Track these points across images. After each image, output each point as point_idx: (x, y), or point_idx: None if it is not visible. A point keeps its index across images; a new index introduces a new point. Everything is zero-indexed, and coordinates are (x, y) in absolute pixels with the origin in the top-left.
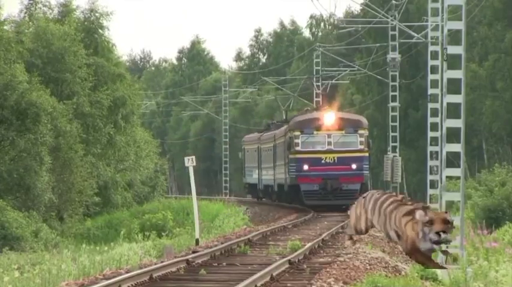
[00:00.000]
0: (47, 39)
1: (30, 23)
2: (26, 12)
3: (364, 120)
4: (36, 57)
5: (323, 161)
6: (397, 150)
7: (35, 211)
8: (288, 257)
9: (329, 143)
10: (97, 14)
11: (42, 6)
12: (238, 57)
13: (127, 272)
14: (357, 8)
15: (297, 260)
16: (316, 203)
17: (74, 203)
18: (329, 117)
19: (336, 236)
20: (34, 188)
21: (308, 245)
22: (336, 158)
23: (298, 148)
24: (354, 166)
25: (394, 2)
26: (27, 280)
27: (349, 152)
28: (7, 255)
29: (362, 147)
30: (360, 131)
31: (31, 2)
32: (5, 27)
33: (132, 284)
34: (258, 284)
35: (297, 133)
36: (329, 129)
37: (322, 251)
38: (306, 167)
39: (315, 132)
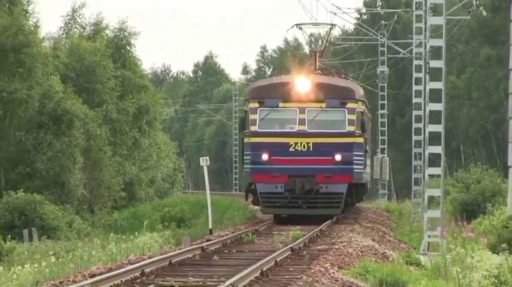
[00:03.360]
0: (80, 55)
1: (66, 39)
2: (63, 30)
3: (357, 89)
4: (71, 70)
5: (292, 149)
6: (386, 151)
7: (69, 204)
8: (290, 245)
9: (301, 122)
10: (126, 33)
11: (77, 25)
12: (245, 70)
13: (149, 258)
14: (350, 27)
15: (298, 248)
16: (278, 211)
17: (103, 198)
18: (303, 82)
19: (333, 226)
20: (68, 185)
21: (308, 235)
22: (311, 145)
23: (255, 128)
24: (338, 157)
25: (383, 22)
26: (62, 264)
27: (332, 136)
28: (45, 243)
29: (352, 129)
30: (350, 105)
31: (70, 21)
32: (44, 43)
33: (153, 269)
34: (264, 269)
35: (254, 105)
36: (302, 101)
37: (320, 240)
38: (264, 156)
39: (280, 104)
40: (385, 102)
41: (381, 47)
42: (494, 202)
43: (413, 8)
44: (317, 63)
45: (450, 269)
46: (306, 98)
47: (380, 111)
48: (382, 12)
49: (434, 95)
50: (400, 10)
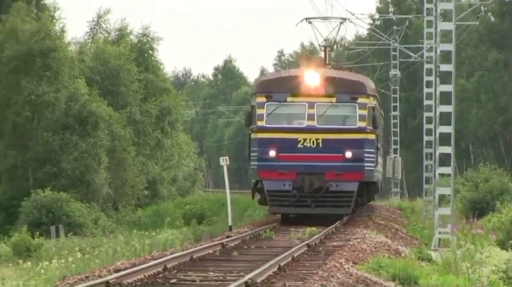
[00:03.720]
0: (105, 59)
1: (92, 44)
2: (89, 35)
3: (369, 83)
4: (96, 73)
5: (300, 146)
6: (398, 151)
7: (94, 202)
8: (307, 242)
9: (311, 117)
10: (149, 38)
11: (102, 31)
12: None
13: (171, 254)
14: (364, 32)
15: (314, 244)
16: (286, 211)
17: (127, 196)
18: (312, 76)
19: (347, 224)
20: (94, 183)
21: (323, 231)
22: (320, 141)
23: (262, 123)
24: (348, 154)
25: (395, 27)
26: (88, 260)
27: (342, 132)
28: (71, 239)
29: (363, 124)
30: (361, 100)
31: (95, 27)
32: (70, 48)
33: (175, 264)
34: (282, 264)
35: (262, 100)
36: (311, 95)
37: (335, 237)
38: (272, 153)
39: (288, 99)
40: (397, 104)
41: (393, 51)
42: (503, 200)
43: (424, 14)
44: (327, 57)
45: (460, 264)
46: (315, 92)
47: (392, 113)
48: (394, 18)
49: (445, 98)
50: (411, 16)
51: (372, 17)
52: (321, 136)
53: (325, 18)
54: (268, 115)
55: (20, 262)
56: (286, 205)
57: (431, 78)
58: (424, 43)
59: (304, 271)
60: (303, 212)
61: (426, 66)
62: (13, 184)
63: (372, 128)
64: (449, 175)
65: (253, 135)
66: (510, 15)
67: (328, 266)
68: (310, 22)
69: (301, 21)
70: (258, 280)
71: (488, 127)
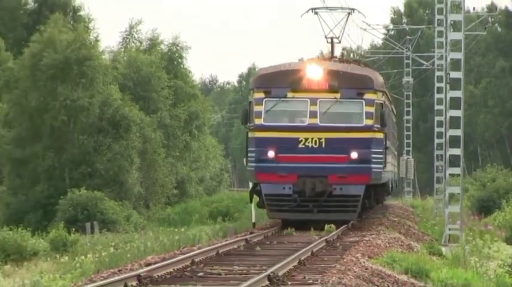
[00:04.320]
0: (137, 66)
1: (124, 53)
2: (122, 44)
3: (377, 78)
4: (128, 80)
5: (301, 146)
6: (410, 153)
7: (126, 200)
8: (325, 237)
9: (313, 115)
10: (178, 47)
11: (135, 40)
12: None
13: (198, 249)
14: (379, 41)
15: (332, 240)
16: (286, 216)
17: (157, 195)
18: (314, 70)
19: (363, 221)
20: (126, 183)
21: (340, 228)
22: (323, 141)
23: (260, 121)
24: (354, 155)
25: (408, 37)
26: (121, 255)
27: (347, 131)
28: (105, 235)
29: (370, 122)
30: (368, 96)
31: (128, 37)
32: (104, 56)
33: (202, 258)
34: (302, 258)
35: (260, 96)
36: (314, 91)
37: (351, 233)
38: (271, 154)
39: (289, 95)
40: (410, 109)
41: (406, 59)
42: (508, 198)
43: (435, 25)
44: (334, 49)
45: (468, 259)
46: (318, 87)
47: (405, 117)
48: (407, 29)
49: (454, 103)
50: (423, 26)
51: (386, 27)
52: (324, 135)
53: (331, 9)
54: (266, 112)
55: (57, 256)
56: (286, 210)
57: (442, 84)
58: (435, 52)
59: (322, 265)
60: (304, 218)
61: (437, 73)
62: (51, 184)
63: (379, 126)
64: (458, 175)
65: (250, 135)
66: None
67: (345, 260)
68: (316, 13)
69: (307, 11)
70: (280, 273)
71: (495, 131)
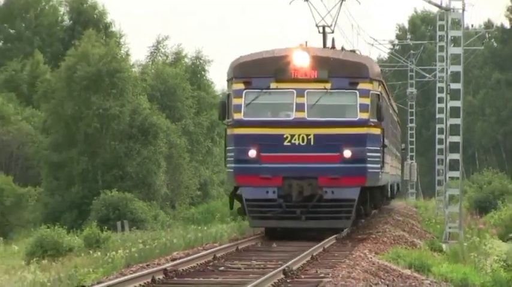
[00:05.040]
0: (164, 78)
1: (152, 66)
2: (150, 58)
3: (372, 65)
4: (156, 91)
5: (287, 143)
6: (414, 158)
7: (154, 201)
8: (335, 235)
9: (300, 108)
10: (201, 61)
11: (161, 54)
12: None
13: (220, 245)
14: (385, 56)
15: (341, 237)
16: (270, 224)
17: (182, 196)
18: (301, 57)
19: (371, 220)
20: (154, 185)
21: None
22: (312, 138)
23: (239, 116)
24: (347, 153)
25: (411, 51)
26: (149, 250)
27: (339, 126)
28: (134, 232)
29: (365, 116)
30: (362, 86)
31: (155, 51)
32: (133, 69)
33: (223, 254)
34: (314, 254)
35: (239, 87)
36: (301, 81)
37: (360, 231)
38: (252, 153)
39: (272, 85)
40: (413, 117)
41: (410, 72)
42: (503, 199)
43: (437, 40)
44: (326, 39)
45: (467, 254)
46: (306, 76)
47: (409, 125)
48: (411, 44)
49: (454, 112)
50: (425, 42)
51: (392, 42)
52: (312, 131)
53: None
54: (247, 106)
55: (91, 252)
56: (269, 217)
57: (443, 95)
58: (436, 65)
59: (333, 260)
60: (291, 226)
61: (438, 84)
62: (85, 186)
63: (376, 120)
64: (457, 178)
65: (229, 131)
66: (511, 41)
67: (354, 255)
68: (306, 0)
69: None
70: (294, 268)
71: (492, 137)
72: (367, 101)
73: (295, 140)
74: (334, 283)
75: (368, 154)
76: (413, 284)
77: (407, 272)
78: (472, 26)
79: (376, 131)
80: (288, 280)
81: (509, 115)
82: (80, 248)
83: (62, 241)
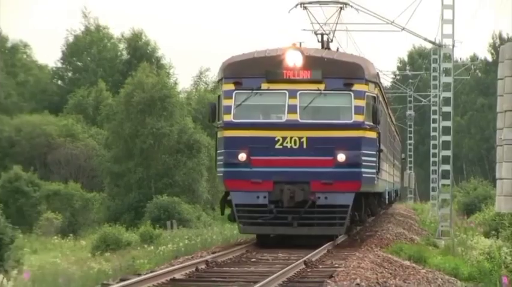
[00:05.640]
0: (205, 103)
1: (195, 92)
2: (194, 86)
3: (368, 66)
4: (199, 113)
5: (278, 146)
6: (412, 169)
7: (197, 204)
8: (347, 233)
9: (292, 109)
10: None
11: (203, 83)
12: None
13: (252, 240)
14: (388, 84)
15: (352, 234)
16: (261, 231)
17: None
18: (294, 56)
19: (377, 219)
20: (197, 191)
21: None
22: (304, 141)
23: (229, 118)
24: (341, 157)
25: (410, 80)
26: (193, 245)
27: (333, 129)
28: (181, 230)
29: (360, 119)
30: (357, 87)
31: (198, 80)
32: (180, 95)
33: (255, 247)
34: (329, 248)
35: (229, 87)
36: (293, 82)
37: (367, 229)
38: (242, 156)
39: (263, 86)
40: (412, 135)
41: (408, 97)
42: (486, 203)
43: (431, 71)
44: (325, 46)
45: (456, 248)
46: (299, 77)
47: (408, 141)
48: (409, 74)
49: (445, 130)
50: (422, 72)
51: (393, 73)
52: (305, 134)
53: (322, 3)
54: (237, 107)
55: (145, 246)
56: (260, 223)
57: (436, 116)
58: (431, 92)
59: (345, 253)
60: (282, 233)
61: (432, 108)
62: (140, 191)
63: (371, 123)
64: (448, 185)
65: (219, 134)
66: (492, 72)
67: (362, 249)
68: (305, 8)
69: (295, 6)
70: (313, 259)
71: (477, 152)
72: (362, 103)
73: (287, 143)
74: (346, 272)
75: (363, 158)
76: (412, 273)
77: (407, 263)
78: (461, 59)
79: (372, 134)
80: (308, 270)
81: (491, 134)
82: (136, 243)
83: (121, 237)
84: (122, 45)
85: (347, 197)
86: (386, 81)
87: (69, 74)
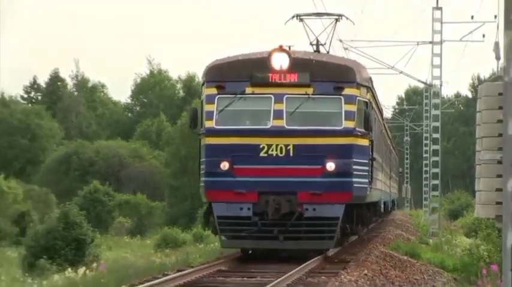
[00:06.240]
0: None
1: None
2: None
3: (360, 69)
4: None
5: (263, 154)
6: (408, 183)
7: None
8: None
9: (278, 115)
10: None
11: None
12: None
13: None
14: (388, 116)
15: (361, 235)
16: (244, 245)
17: None
18: (280, 59)
19: (381, 223)
20: None
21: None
22: (291, 148)
23: (211, 124)
24: (330, 166)
25: (407, 113)
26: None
27: (322, 136)
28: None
29: (351, 125)
30: (348, 91)
31: None
32: None
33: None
34: (343, 246)
35: (211, 92)
36: (279, 85)
37: (373, 231)
38: (224, 165)
39: (248, 90)
40: (408, 156)
41: (405, 126)
42: (468, 209)
43: (424, 106)
44: (314, 50)
45: (444, 246)
46: (285, 80)
47: (405, 161)
48: (406, 108)
49: (434, 152)
50: (416, 106)
51: (393, 107)
52: (292, 141)
53: (318, 15)
54: (219, 113)
55: (197, 244)
56: (244, 236)
57: (427, 141)
58: (423, 122)
59: (356, 250)
60: (267, 247)
61: (424, 134)
62: (193, 201)
63: (363, 130)
64: (437, 196)
65: (202, 142)
66: (472, 106)
67: (369, 247)
68: (301, 20)
69: (292, 18)
70: (330, 255)
71: (460, 169)
72: (353, 108)
73: (272, 151)
74: (357, 264)
75: (354, 167)
76: (408, 265)
77: (404, 257)
78: (447, 96)
79: (364, 142)
80: (327, 262)
81: (471, 155)
82: (190, 242)
83: (178, 237)
84: (178, 85)
85: (337, 209)
86: (387, 113)
87: (137, 108)
